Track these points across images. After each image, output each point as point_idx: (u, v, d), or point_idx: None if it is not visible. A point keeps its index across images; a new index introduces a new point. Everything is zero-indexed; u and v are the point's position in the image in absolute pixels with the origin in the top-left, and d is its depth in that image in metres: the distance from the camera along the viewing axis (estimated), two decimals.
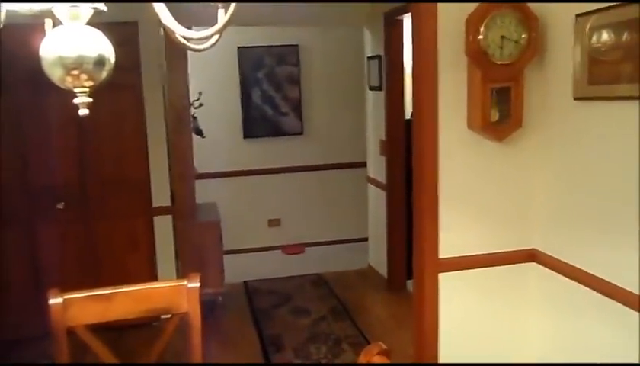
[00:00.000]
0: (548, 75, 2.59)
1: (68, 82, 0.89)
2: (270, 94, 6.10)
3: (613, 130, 2.25)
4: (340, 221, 6.38)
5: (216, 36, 1.06)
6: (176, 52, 4.10)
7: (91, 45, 0.88)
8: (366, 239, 5.60)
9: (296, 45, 6.06)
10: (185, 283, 2.00)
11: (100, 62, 0.90)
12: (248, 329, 4.32)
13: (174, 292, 2.00)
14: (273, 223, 6.37)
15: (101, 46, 0.91)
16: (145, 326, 3.89)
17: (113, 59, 0.94)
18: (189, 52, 4.20)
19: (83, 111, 0.91)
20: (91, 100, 0.92)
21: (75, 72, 0.88)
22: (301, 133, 6.22)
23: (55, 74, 0.89)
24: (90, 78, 0.89)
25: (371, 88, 5.14)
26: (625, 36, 2.13)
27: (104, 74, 0.92)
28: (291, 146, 6.23)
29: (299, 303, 4.80)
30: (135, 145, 4.15)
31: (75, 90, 0.90)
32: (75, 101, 0.91)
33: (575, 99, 2.41)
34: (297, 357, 3.82)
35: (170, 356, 3.15)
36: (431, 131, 2.58)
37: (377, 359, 1.24)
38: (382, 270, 5.12)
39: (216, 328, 4.34)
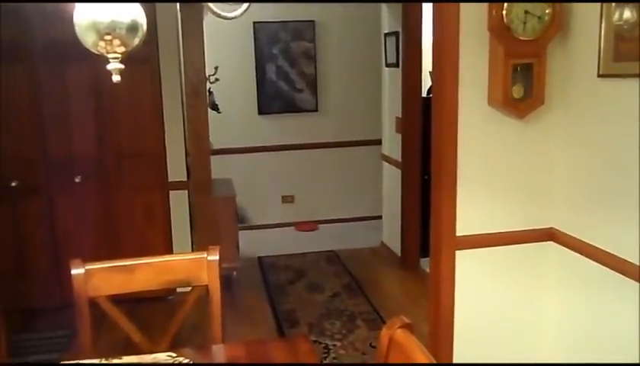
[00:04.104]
0: (571, 51, 2.54)
1: (101, 48, 0.89)
2: (285, 69, 6.07)
3: (638, 108, 2.22)
4: (354, 199, 6.38)
5: (246, 5, 1.05)
6: (192, 26, 4.07)
7: (124, 11, 0.87)
8: (379, 217, 5.59)
9: (313, 21, 6.01)
10: (205, 255, 2.02)
11: (133, 27, 0.89)
12: (262, 303, 4.36)
13: (194, 264, 2.02)
14: (287, 199, 6.38)
15: (134, 12, 0.90)
16: (161, 300, 3.94)
17: (145, 27, 0.93)
18: (205, 26, 4.18)
19: (116, 78, 0.90)
20: (123, 66, 0.91)
21: (108, 38, 0.87)
22: (316, 110, 6.19)
23: (88, 39, 0.88)
24: (122, 44, 0.88)
25: (387, 65, 5.10)
26: None
27: (137, 40, 0.91)
28: (306, 123, 6.21)
29: (313, 279, 4.82)
30: (151, 119, 4.16)
31: (108, 55, 0.89)
32: (108, 67, 0.90)
33: (600, 76, 2.37)
34: (311, 332, 3.85)
35: (186, 329, 3.19)
36: (451, 107, 2.55)
37: (400, 333, 1.24)
38: (396, 248, 5.13)
39: (232, 302, 4.38)
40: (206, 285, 2.02)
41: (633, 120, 2.24)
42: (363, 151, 6.19)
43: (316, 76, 6.13)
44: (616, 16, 2.23)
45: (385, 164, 5.35)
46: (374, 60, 5.57)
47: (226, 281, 4.61)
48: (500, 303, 2.84)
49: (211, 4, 1.00)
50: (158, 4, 4.02)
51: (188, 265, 2.03)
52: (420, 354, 1.23)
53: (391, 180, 5.22)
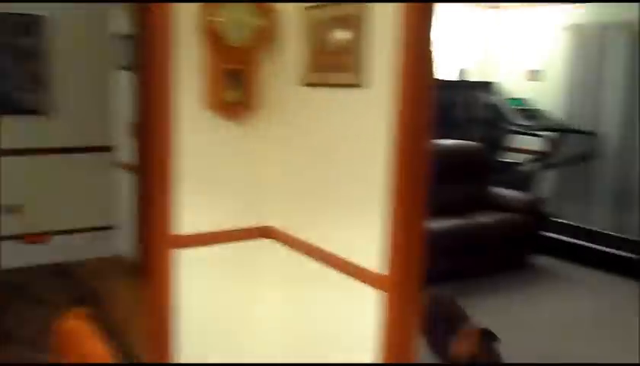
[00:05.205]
0: (281, 61, 2.76)
1: None
2: (5, 66, 5.51)
3: (335, 114, 2.49)
4: (85, 208, 6.03)
5: None
6: None
7: None
8: (113, 227, 5.39)
9: (40, 15, 5.57)
10: None
11: None
12: None
13: None
14: (13, 209, 5.78)
15: None
16: None
17: None
18: None
19: None
20: None
21: None
22: (45, 113, 5.73)
23: None
24: None
25: (121, 68, 4.96)
26: (343, 30, 2.36)
27: None
28: (34, 127, 5.70)
29: (36, 293, 4.45)
30: None
31: None
32: None
33: (301, 85, 2.61)
34: (33, 349, 3.54)
35: None
36: (164, 109, 2.58)
37: (72, 322, 1.21)
38: (132, 256, 4.99)
39: None
40: None
41: (332, 125, 2.52)
42: (95, 157, 5.89)
43: (44, 77, 5.67)
44: (318, 30, 2.49)
45: (120, 170, 5.18)
46: (107, 63, 5.36)
47: None
48: (222, 302, 2.93)
49: None
50: None
51: None
52: (91, 341, 1.22)
53: (126, 187, 5.07)
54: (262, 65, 2.73)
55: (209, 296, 2.89)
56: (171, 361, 2.76)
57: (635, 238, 5.78)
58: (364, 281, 2.38)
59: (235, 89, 2.61)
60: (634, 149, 6.08)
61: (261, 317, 3.03)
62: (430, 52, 2.17)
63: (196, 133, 2.68)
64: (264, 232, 2.94)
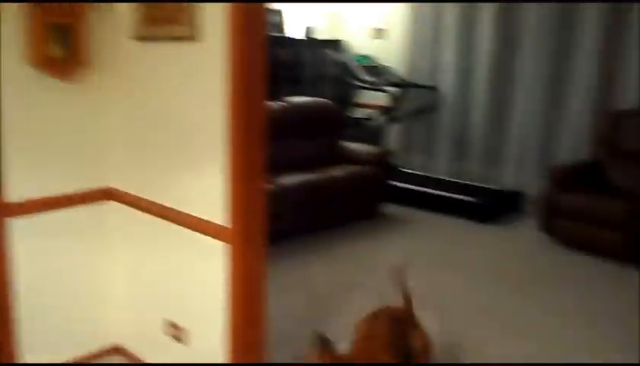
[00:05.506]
0: (112, 14, 2.64)
1: None
2: None
3: (171, 69, 2.45)
4: None
5: None
6: None
7: None
8: None
9: None
10: None
11: None
12: None
13: None
14: None
15: None
16: None
17: None
18: None
19: None
20: None
21: None
22: None
23: None
24: None
25: None
26: None
27: None
28: None
29: None
30: None
31: None
32: None
33: (134, 39, 2.53)
34: None
35: None
36: None
37: None
38: None
39: None
40: None
41: (168, 79, 2.47)
42: None
43: None
44: None
45: None
46: None
47: None
48: (67, 270, 2.82)
49: None
50: None
51: None
52: None
53: None
54: (92, 19, 2.60)
55: (51, 266, 2.76)
56: (12, 339, 2.61)
57: (473, 183, 6.30)
58: (209, 235, 2.41)
59: (62, 44, 2.46)
60: (470, 101, 6.57)
61: (110, 282, 2.96)
62: (262, 8, 2.19)
63: (27, 93, 2.50)
64: (106, 194, 2.85)
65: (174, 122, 2.49)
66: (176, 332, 2.67)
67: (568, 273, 4.46)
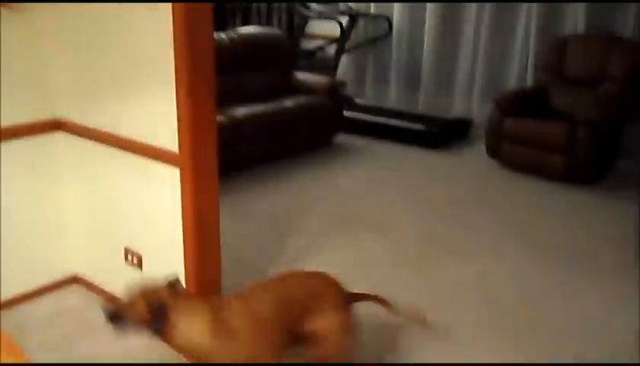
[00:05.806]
0: None
1: None
2: None
3: None
4: None
5: None
6: None
7: None
8: None
9: None
10: None
11: None
12: None
13: None
14: None
15: None
16: None
17: None
18: None
19: None
20: None
21: None
22: None
23: None
24: None
25: None
26: None
27: None
28: None
29: None
30: None
31: None
32: None
33: None
34: None
35: None
36: None
37: None
38: None
39: None
40: None
41: (114, 4, 2.42)
42: None
43: None
44: None
45: None
46: None
47: None
48: (19, 201, 2.80)
49: None
50: None
51: None
52: None
53: None
54: None
55: (1, 200, 2.73)
56: None
57: (423, 113, 6.41)
58: (160, 161, 2.43)
59: None
60: (420, 31, 6.59)
61: (65, 213, 2.97)
62: None
63: None
64: (55, 125, 2.82)
65: (121, 48, 2.46)
66: (134, 259, 2.72)
67: (513, 194, 4.66)
